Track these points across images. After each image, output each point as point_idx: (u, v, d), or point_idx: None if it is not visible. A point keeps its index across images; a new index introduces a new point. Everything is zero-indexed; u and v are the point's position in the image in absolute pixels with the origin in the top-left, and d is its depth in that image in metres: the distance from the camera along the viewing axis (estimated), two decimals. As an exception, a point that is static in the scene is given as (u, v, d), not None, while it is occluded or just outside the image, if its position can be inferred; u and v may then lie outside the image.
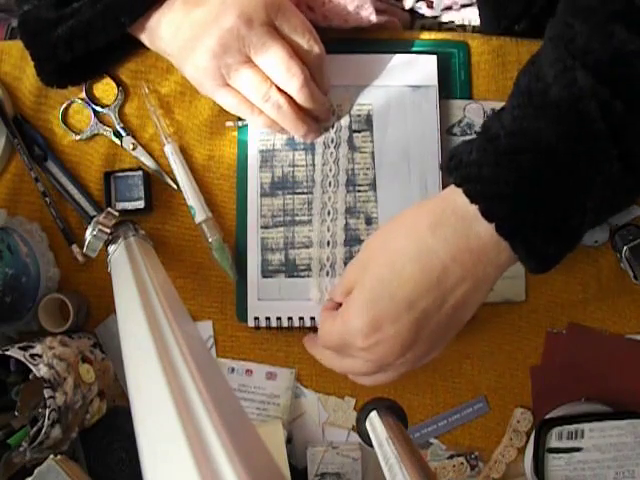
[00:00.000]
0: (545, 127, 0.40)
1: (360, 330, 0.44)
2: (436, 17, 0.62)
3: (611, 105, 0.40)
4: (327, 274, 0.58)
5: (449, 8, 0.59)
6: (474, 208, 0.42)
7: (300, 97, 0.53)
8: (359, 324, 0.44)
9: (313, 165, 0.59)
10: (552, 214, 0.41)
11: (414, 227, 0.44)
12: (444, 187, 0.57)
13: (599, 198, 0.41)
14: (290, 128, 0.55)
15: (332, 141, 0.59)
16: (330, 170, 0.58)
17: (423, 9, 0.60)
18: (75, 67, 0.58)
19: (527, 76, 0.44)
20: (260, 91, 0.52)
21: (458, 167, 0.43)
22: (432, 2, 0.58)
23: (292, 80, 0.51)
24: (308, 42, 0.52)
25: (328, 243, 0.58)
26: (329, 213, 0.58)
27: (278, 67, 0.51)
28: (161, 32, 0.53)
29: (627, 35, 0.41)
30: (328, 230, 0.58)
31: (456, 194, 0.43)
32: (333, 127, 0.59)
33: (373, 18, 0.58)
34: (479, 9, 0.58)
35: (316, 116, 0.57)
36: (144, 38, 0.55)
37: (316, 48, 0.53)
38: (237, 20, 0.49)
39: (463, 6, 0.59)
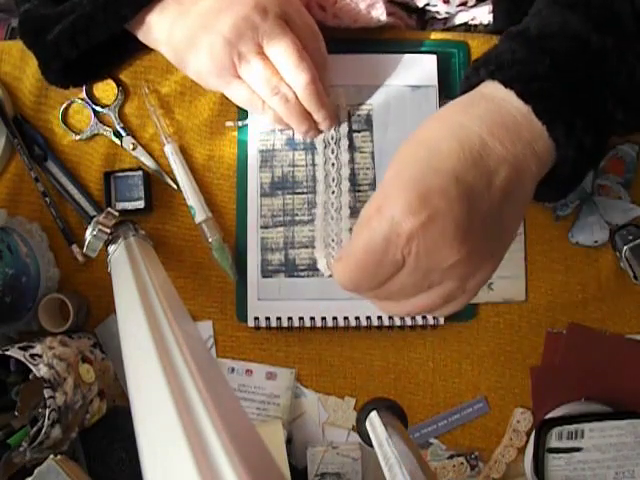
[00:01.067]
0: (576, 20, 0.41)
1: (407, 206, 0.37)
2: (446, 21, 0.62)
3: None
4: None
5: (464, 4, 0.59)
6: (505, 93, 0.40)
7: (307, 92, 0.53)
8: (404, 201, 0.37)
9: (313, 165, 0.59)
10: (587, 97, 0.40)
11: (443, 113, 0.42)
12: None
13: (626, 93, 0.41)
14: (294, 123, 0.55)
15: (332, 138, 0.59)
16: (333, 166, 0.58)
17: (438, 5, 0.59)
18: (80, 68, 0.58)
19: None
20: (270, 84, 0.52)
21: (487, 62, 0.42)
22: None
23: (301, 75, 0.51)
24: (316, 41, 0.53)
25: (335, 237, 0.58)
26: (333, 206, 0.58)
27: (289, 60, 0.51)
28: (161, 25, 0.53)
29: None
30: (337, 225, 0.58)
31: (484, 87, 0.42)
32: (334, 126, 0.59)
33: (383, 18, 0.58)
34: (494, 4, 0.57)
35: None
36: (142, 34, 0.55)
37: (322, 48, 0.53)
38: (252, 10, 0.49)
39: (479, 1, 0.59)
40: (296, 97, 0.53)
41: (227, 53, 0.50)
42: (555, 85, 0.40)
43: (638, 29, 0.41)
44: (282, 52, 0.50)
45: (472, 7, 0.60)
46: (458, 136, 0.39)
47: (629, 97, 0.41)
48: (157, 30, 0.53)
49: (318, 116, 0.55)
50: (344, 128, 0.59)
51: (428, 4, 0.60)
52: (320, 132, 0.58)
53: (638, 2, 0.41)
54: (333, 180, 0.58)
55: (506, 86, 0.40)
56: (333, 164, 0.58)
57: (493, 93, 0.41)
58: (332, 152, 0.58)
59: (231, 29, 0.49)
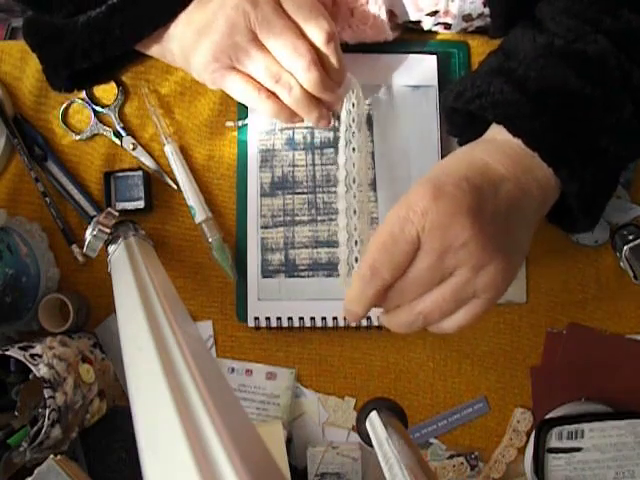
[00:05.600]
0: (570, 74, 0.45)
1: (423, 191, 0.41)
2: None
3: (627, 65, 0.46)
4: (356, 260, 0.58)
5: (464, 30, 0.60)
6: (509, 136, 0.45)
7: (307, 79, 0.51)
8: (421, 189, 0.41)
9: (313, 165, 0.59)
10: (582, 138, 0.45)
11: (454, 151, 0.48)
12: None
13: (614, 131, 0.46)
14: (302, 112, 0.53)
15: (353, 135, 0.59)
16: (353, 166, 0.58)
17: (440, 31, 0.61)
18: (87, 74, 0.58)
19: (544, 35, 0.48)
20: (270, 72, 0.51)
21: (496, 106, 0.46)
22: (450, 25, 0.59)
23: (298, 60, 0.50)
24: (316, 21, 0.50)
25: (355, 243, 0.58)
26: (355, 212, 0.58)
27: (284, 47, 0.49)
28: (173, 36, 0.53)
29: (633, 15, 0.47)
30: (355, 229, 0.58)
31: (489, 132, 0.48)
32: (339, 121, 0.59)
33: (390, 37, 0.58)
34: (492, 26, 0.57)
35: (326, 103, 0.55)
36: (154, 47, 0.55)
37: (325, 27, 0.50)
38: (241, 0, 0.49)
39: (478, 27, 0.59)
40: (299, 84, 0.51)
41: (223, 44, 0.50)
42: (556, 135, 0.44)
43: (623, 77, 0.45)
44: (277, 38, 0.49)
45: (472, 32, 0.61)
46: (465, 159, 0.45)
47: (617, 134, 0.46)
48: (170, 42, 0.54)
49: (325, 99, 0.53)
50: (364, 128, 0.58)
51: (430, 30, 0.61)
52: (330, 122, 0.56)
53: (622, 56, 0.46)
54: (353, 181, 0.58)
55: (514, 136, 0.45)
56: (354, 164, 0.58)
57: (495, 136, 0.47)
58: (351, 153, 0.57)
59: (225, 21, 0.49)
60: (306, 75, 0.50)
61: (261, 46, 0.50)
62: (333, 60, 0.52)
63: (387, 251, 0.42)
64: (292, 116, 0.54)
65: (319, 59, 0.51)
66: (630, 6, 0.47)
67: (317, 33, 0.50)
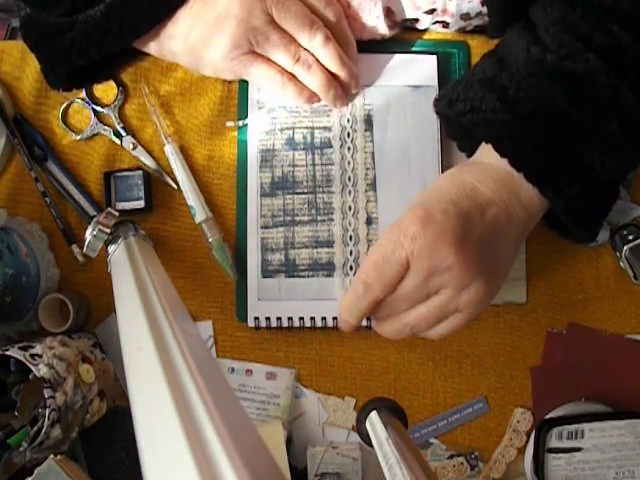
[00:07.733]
0: (559, 95, 0.46)
1: (413, 217, 0.45)
2: None
3: (615, 82, 0.46)
4: (351, 268, 0.58)
5: (463, 29, 0.60)
6: (496, 156, 0.47)
7: (326, 53, 0.53)
8: (412, 214, 0.46)
9: (313, 165, 0.59)
10: (566, 158, 0.47)
11: (445, 173, 0.51)
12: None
13: (604, 148, 0.47)
14: (320, 90, 0.55)
15: (348, 136, 0.59)
16: (349, 164, 0.58)
17: (438, 29, 0.61)
18: (85, 71, 0.58)
19: (538, 47, 0.48)
20: (289, 51, 0.53)
21: (487, 124, 0.47)
22: (448, 24, 0.59)
23: (316, 34, 0.52)
24: (323, 3, 0.53)
25: (350, 238, 0.58)
26: (350, 208, 0.58)
27: (301, 23, 0.52)
28: (176, 35, 0.54)
29: (623, 32, 0.47)
30: (350, 225, 0.58)
31: (478, 154, 0.51)
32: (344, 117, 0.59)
33: (387, 33, 0.59)
34: (490, 25, 0.58)
35: (342, 82, 0.57)
36: (154, 45, 0.56)
37: (336, 4, 0.54)
38: None
39: (477, 27, 0.59)
40: (317, 62, 0.53)
41: (242, 30, 0.51)
42: (542, 155, 0.46)
43: (611, 94, 0.46)
44: (293, 17, 0.52)
45: (471, 31, 0.61)
46: (454, 182, 0.48)
47: (603, 150, 0.47)
48: (172, 40, 0.54)
49: (343, 74, 0.55)
50: (360, 125, 0.59)
51: (428, 28, 0.61)
52: (347, 103, 0.58)
53: (611, 73, 0.46)
54: (349, 179, 0.58)
55: (501, 156, 0.47)
56: (349, 162, 0.58)
57: (482, 157, 0.50)
58: (346, 152, 0.58)
59: (239, 7, 0.51)
60: (325, 48, 0.53)
61: (278, 28, 0.52)
62: (345, 34, 0.55)
63: (378, 270, 0.46)
64: (312, 97, 0.56)
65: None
66: (620, 23, 0.47)
67: (329, 10, 0.54)
